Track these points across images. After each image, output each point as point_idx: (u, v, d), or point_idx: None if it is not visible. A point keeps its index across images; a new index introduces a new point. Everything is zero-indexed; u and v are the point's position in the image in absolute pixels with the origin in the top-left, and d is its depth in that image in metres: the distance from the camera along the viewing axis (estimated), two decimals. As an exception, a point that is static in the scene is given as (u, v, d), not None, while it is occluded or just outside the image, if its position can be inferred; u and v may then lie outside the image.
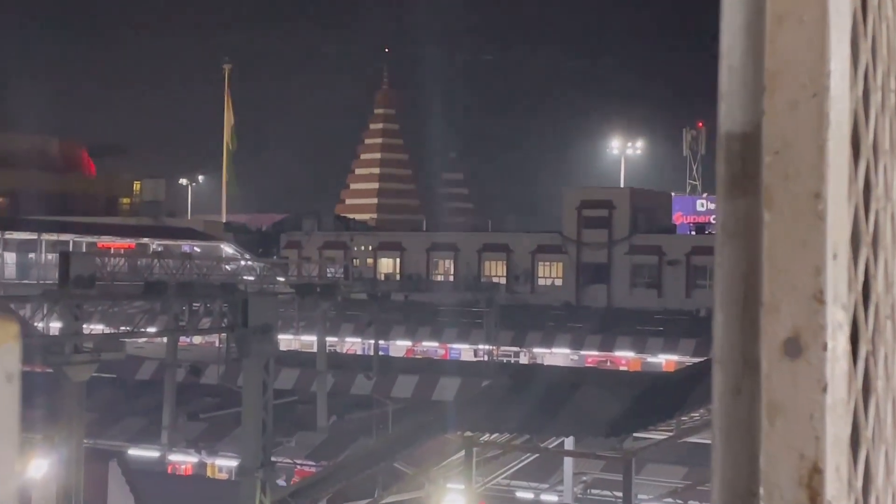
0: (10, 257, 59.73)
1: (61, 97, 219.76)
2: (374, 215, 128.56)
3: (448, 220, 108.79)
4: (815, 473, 1.23)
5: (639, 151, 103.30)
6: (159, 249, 60.83)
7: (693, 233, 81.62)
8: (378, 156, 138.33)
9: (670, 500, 26.25)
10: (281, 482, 31.65)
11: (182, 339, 44.70)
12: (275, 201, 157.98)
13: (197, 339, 55.35)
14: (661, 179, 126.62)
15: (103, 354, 25.47)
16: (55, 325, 28.32)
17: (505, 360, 58.26)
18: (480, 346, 58.06)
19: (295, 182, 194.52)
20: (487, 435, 22.22)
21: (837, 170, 1.26)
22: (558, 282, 78.94)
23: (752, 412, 1.27)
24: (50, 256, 50.56)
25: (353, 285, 49.70)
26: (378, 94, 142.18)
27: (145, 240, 66.45)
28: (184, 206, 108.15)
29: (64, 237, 57.38)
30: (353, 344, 64.24)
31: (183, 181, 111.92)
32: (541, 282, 79.53)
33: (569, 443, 23.14)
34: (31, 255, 55.26)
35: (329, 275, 53.37)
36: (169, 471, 36.61)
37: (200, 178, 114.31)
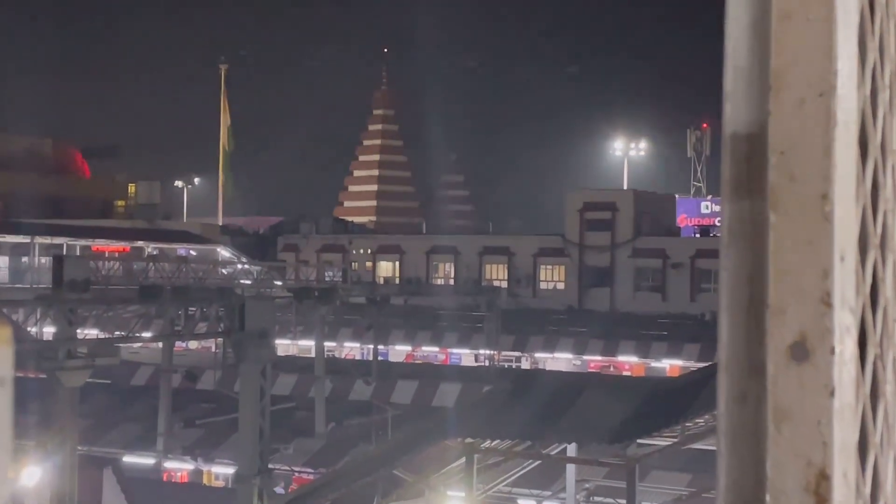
0: (3, 261, 59.60)
1: (54, 98, 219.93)
2: (373, 218, 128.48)
3: (448, 222, 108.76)
4: (822, 480, 1.22)
5: (642, 153, 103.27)
6: (154, 253, 60.55)
7: (697, 235, 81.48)
8: (377, 157, 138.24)
9: (675, 507, 26.14)
10: (279, 490, 31.63)
11: (178, 344, 44.57)
12: (272, 204, 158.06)
13: (193, 344, 55.20)
14: (665, 181, 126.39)
15: (97, 360, 25.43)
16: (49, 330, 28.32)
17: (506, 365, 57.91)
18: (481, 351, 57.78)
19: (292, 184, 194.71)
20: (488, 441, 22.21)
21: (845, 170, 1.25)
22: (560, 285, 78.66)
23: (758, 417, 1.26)
24: (43, 260, 50.28)
25: (351, 289, 49.46)
26: (377, 94, 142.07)
27: (140, 243, 66.17)
28: (179, 209, 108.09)
29: (57, 240, 57.15)
30: (351, 349, 63.98)
31: (178, 183, 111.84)
32: (542, 285, 79.28)
33: (571, 449, 23.02)
34: (25, 259, 55.13)
35: (327, 278, 53.22)
36: (164, 478, 36.53)
37: (196, 180, 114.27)
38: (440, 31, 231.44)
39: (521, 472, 24.92)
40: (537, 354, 61.12)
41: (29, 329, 27.08)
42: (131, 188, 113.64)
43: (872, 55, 1.35)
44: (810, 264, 1.23)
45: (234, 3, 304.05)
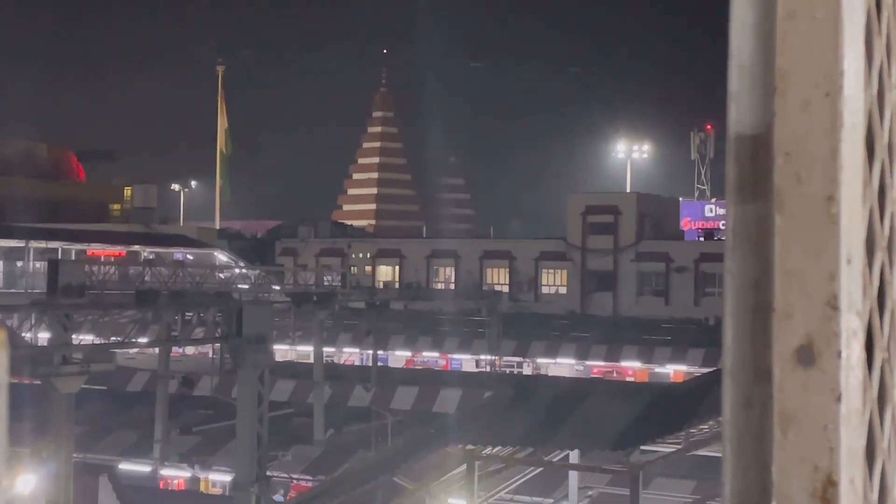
0: (-3, 265, 59.40)
1: (50, 101, 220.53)
2: (373, 221, 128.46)
3: (449, 226, 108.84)
4: (829, 486, 1.21)
5: (645, 155, 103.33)
6: (151, 257, 60.43)
7: (701, 239, 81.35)
8: (376, 160, 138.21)
9: (679, 515, 26.16)
10: (277, 497, 31.67)
11: (174, 349, 44.43)
12: (270, 207, 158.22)
13: (190, 350, 55.13)
14: (669, 184, 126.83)
15: (93, 365, 25.57)
16: (43, 336, 28.18)
17: (508, 370, 57.91)
18: (482, 357, 57.69)
19: (291, 187, 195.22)
20: (490, 448, 22.36)
21: (851, 172, 1.24)
22: (562, 290, 78.53)
23: (763, 423, 1.26)
24: (38, 265, 50.17)
25: (350, 294, 49.38)
26: (376, 96, 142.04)
27: (136, 247, 66.07)
28: (176, 213, 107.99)
29: (52, 245, 57.02)
30: (350, 354, 63.88)
31: (175, 187, 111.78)
32: (544, 290, 79.16)
33: (574, 456, 23.03)
34: (19, 264, 54.99)
35: (326, 283, 52.93)
36: (161, 486, 36.44)
37: (193, 183, 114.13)
38: (440, 32, 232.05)
39: (523, 480, 25.04)
40: (539, 360, 60.99)
41: (24, 335, 27.14)
42: (127, 192, 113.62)
43: (879, 55, 1.33)
44: (816, 267, 1.23)
45: (231, 5, 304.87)
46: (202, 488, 36.83)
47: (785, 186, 1.24)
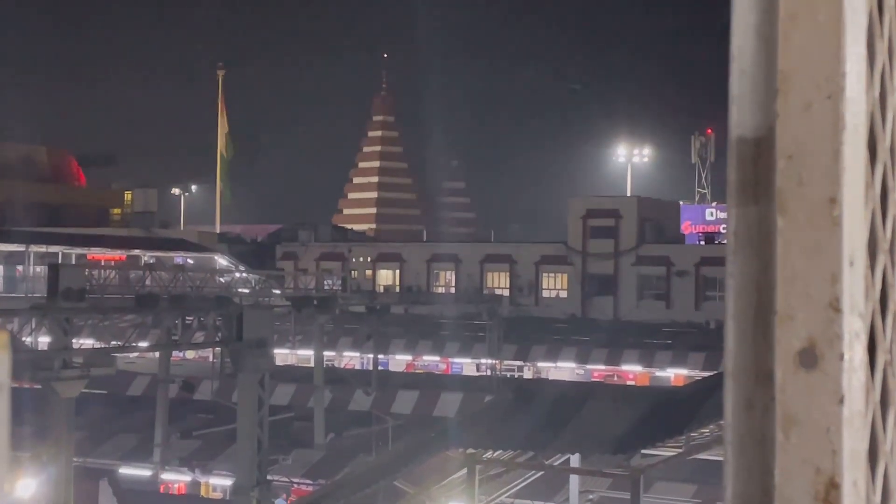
0: (-2, 270, 59.37)
1: (50, 106, 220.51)
2: (373, 225, 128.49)
3: (449, 230, 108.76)
4: (831, 488, 1.21)
5: (646, 159, 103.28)
6: (151, 261, 60.49)
7: (702, 242, 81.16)
8: (377, 164, 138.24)
9: (680, 519, 26.17)
10: (279, 501, 31.48)
11: (175, 353, 44.36)
12: (270, 211, 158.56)
13: (190, 354, 55.03)
14: (669, 188, 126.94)
15: (93, 370, 25.50)
16: (44, 340, 28.13)
17: (508, 374, 57.74)
18: (483, 361, 57.57)
19: (291, 191, 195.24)
20: (490, 452, 22.42)
21: (853, 174, 1.24)
22: (563, 294, 78.41)
23: (766, 426, 1.26)
24: (38, 269, 50.17)
25: (351, 298, 49.30)
26: (376, 100, 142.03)
27: (137, 251, 66.14)
28: (176, 217, 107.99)
29: (53, 249, 57.08)
30: (351, 358, 63.79)
31: (175, 191, 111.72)
32: (545, 294, 79.03)
33: (574, 460, 23.06)
34: (19, 268, 55.00)
35: (326, 287, 52.91)
36: (161, 490, 36.40)
37: (193, 187, 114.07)
38: (441, 36, 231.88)
39: (524, 483, 25.08)
40: (540, 364, 60.89)
41: (24, 339, 27.11)
42: (127, 196, 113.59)
43: (881, 57, 1.33)
44: (819, 269, 1.23)
45: (232, 9, 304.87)
46: (202, 492, 36.82)
47: (787, 189, 1.24)
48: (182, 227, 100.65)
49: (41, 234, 59.62)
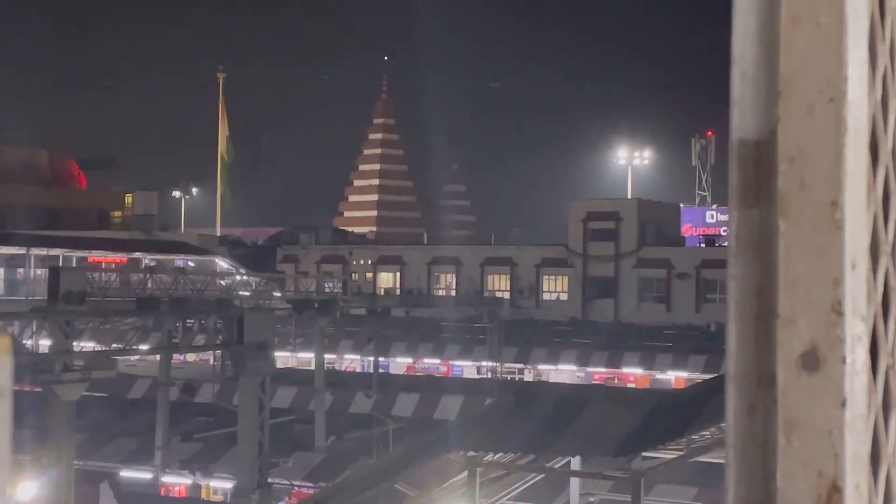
0: (-2, 273, 59.32)
1: (50, 109, 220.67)
2: (374, 228, 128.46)
3: (450, 232, 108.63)
4: (833, 492, 1.21)
5: (646, 162, 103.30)
6: (152, 264, 60.35)
7: (703, 245, 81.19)
8: (377, 167, 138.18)
9: (681, 521, 26.09)
10: (280, 504, 31.40)
11: (175, 356, 44.33)
12: (271, 214, 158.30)
13: (191, 357, 55.05)
14: (670, 190, 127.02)
15: (94, 373, 25.42)
16: (45, 343, 28.12)
17: (509, 377, 57.74)
18: (483, 363, 57.53)
19: (292, 194, 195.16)
20: (491, 455, 22.31)
21: (855, 177, 1.24)
22: (564, 296, 78.39)
23: (767, 429, 1.25)
24: (39, 272, 50.14)
25: (351, 300, 49.30)
26: (377, 103, 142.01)
27: (137, 254, 66.01)
28: (177, 220, 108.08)
29: (53, 252, 56.98)
30: (352, 361, 63.70)
31: (176, 194, 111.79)
32: (546, 296, 79.01)
33: (575, 462, 22.99)
34: (20, 271, 54.96)
35: (327, 290, 52.96)
36: (162, 493, 36.31)
37: (194, 190, 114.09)
38: (441, 40, 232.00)
39: (525, 486, 24.93)
40: (540, 366, 60.84)
41: (24, 342, 27.13)
42: (128, 199, 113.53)
43: (883, 60, 1.33)
44: (821, 272, 1.22)
45: (233, 13, 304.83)
46: (203, 495, 36.76)
47: (789, 192, 1.24)
48: (183, 230, 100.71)
49: (42, 238, 59.55)
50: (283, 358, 54.91)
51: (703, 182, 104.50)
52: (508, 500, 25.00)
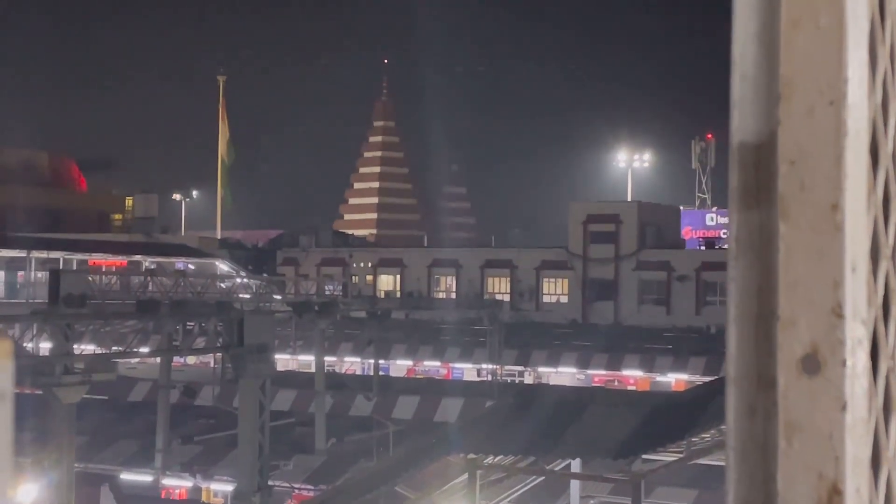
0: (-1, 275, 59.35)
1: (51, 111, 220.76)
2: (374, 231, 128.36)
3: (450, 235, 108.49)
4: (834, 495, 1.21)
5: (646, 164, 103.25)
6: (152, 267, 60.35)
7: (703, 248, 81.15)
8: (377, 169, 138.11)
9: (682, 524, 26.09)
10: (279, 506, 31.35)
11: (176, 359, 44.32)
12: (271, 217, 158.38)
13: (191, 360, 55.00)
14: (670, 193, 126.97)
15: (94, 375, 25.39)
16: (45, 346, 28.08)
17: (509, 379, 57.70)
18: (484, 366, 57.47)
19: (292, 197, 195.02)
20: (491, 457, 22.23)
21: (855, 180, 1.24)
22: (564, 298, 78.33)
23: (768, 432, 1.26)
24: (39, 274, 50.21)
25: (352, 303, 49.28)
26: (377, 105, 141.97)
27: (138, 257, 66.05)
28: (177, 222, 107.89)
29: (54, 254, 56.99)
30: (352, 364, 63.69)
31: (176, 196, 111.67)
32: (546, 299, 78.96)
33: (575, 465, 22.92)
34: (20, 274, 55.02)
35: (327, 292, 52.95)
36: (163, 495, 36.30)
37: (194, 193, 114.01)
38: (441, 42, 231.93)
39: (525, 489, 24.86)
40: (540, 369, 60.79)
41: (25, 345, 27.09)
42: (128, 201, 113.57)
43: (883, 63, 1.33)
44: (821, 275, 1.22)
45: (233, 15, 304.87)
46: (204, 498, 36.73)
47: (789, 194, 1.24)
48: (183, 233, 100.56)
49: (42, 240, 59.63)
50: (284, 360, 54.86)
51: (703, 184, 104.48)
52: (509, 502, 24.96)
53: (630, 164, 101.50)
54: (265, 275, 67.91)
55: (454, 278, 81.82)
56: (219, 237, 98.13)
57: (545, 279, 79.23)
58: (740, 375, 1.28)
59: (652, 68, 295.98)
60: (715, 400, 20.60)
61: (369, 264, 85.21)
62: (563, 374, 59.28)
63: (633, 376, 58.21)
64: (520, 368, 60.86)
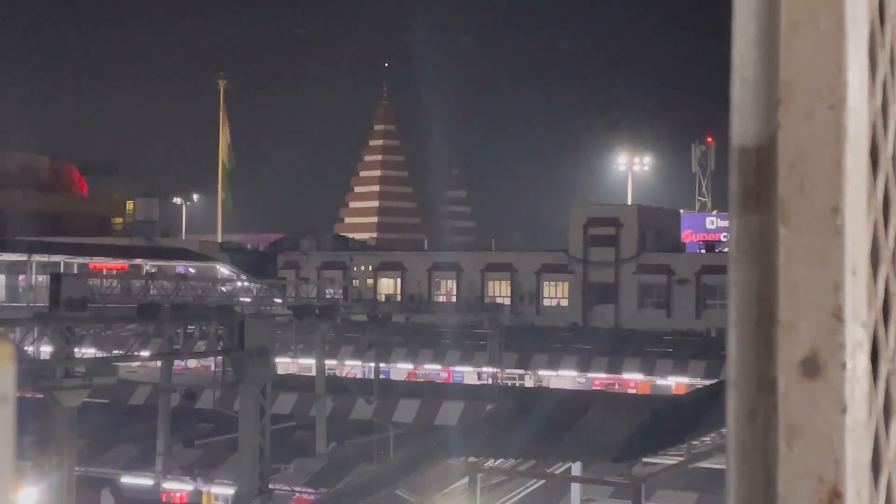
0: (0, 279, 59.27)
1: (51, 115, 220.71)
2: (374, 234, 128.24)
3: (450, 238, 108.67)
4: (834, 498, 1.21)
5: (646, 168, 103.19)
6: (153, 270, 60.41)
7: (703, 251, 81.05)
8: (378, 173, 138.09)
9: (682, 527, 26.04)
10: (279, 510, 31.31)
11: (176, 362, 44.29)
12: (272, 220, 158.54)
13: (192, 363, 54.93)
14: (670, 196, 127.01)
15: (95, 379, 25.39)
16: (46, 350, 28.07)
17: (509, 383, 57.69)
18: (484, 369, 57.43)
19: (292, 201, 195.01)
20: (492, 460, 22.22)
21: (856, 183, 1.25)
22: (564, 302, 78.30)
23: (768, 435, 1.26)
24: (40, 278, 50.22)
25: (352, 306, 49.28)
26: (377, 109, 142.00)
27: (138, 261, 66.03)
28: (178, 226, 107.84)
29: (55, 258, 56.98)
30: (352, 367, 63.65)
31: (177, 200, 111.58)
32: (546, 302, 78.91)
33: (576, 468, 22.88)
34: (21, 277, 55.03)
35: (328, 296, 52.98)
36: (163, 499, 36.23)
37: (195, 196, 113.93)
38: (442, 46, 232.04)
39: (525, 492, 24.81)
40: (541, 372, 60.77)
41: (26, 348, 27.07)
42: (129, 205, 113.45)
43: (883, 66, 1.33)
44: (821, 278, 1.22)
45: (234, 19, 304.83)
46: (204, 501, 36.68)
47: (789, 197, 1.24)
48: (184, 237, 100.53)
49: (43, 244, 59.58)
50: (284, 364, 54.79)
51: (703, 188, 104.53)
52: (509, 505, 24.98)
53: (630, 167, 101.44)
54: (266, 278, 67.83)
55: (454, 282, 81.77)
56: (219, 241, 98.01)
57: (545, 282, 79.17)
58: (740, 379, 1.28)
59: (652, 72, 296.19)
60: (715, 403, 20.56)
61: (370, 268, 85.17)
62: (564, 378, 59.25)
63: (633, 379, 58.15)
64: (520, 372, 60.85)
